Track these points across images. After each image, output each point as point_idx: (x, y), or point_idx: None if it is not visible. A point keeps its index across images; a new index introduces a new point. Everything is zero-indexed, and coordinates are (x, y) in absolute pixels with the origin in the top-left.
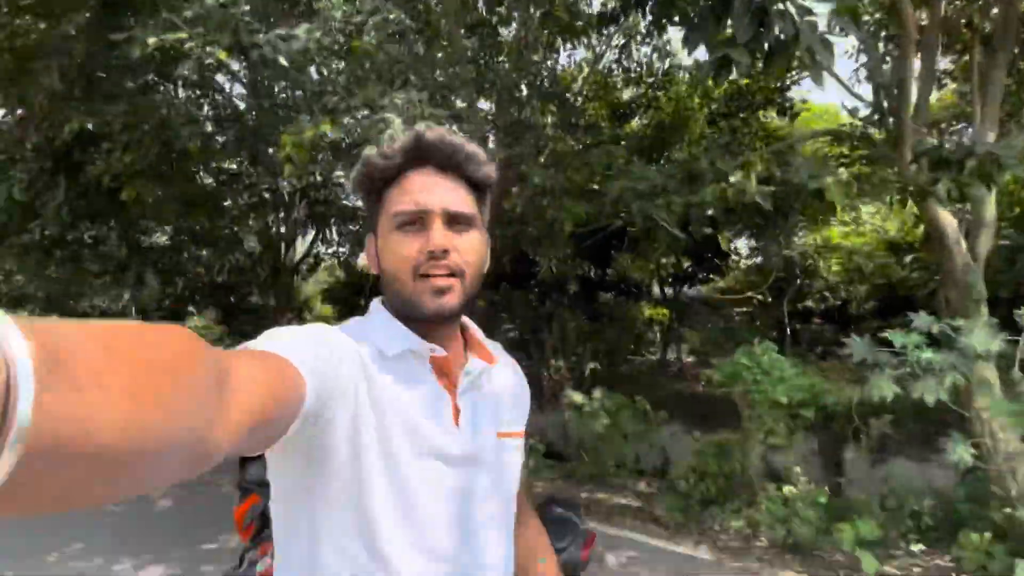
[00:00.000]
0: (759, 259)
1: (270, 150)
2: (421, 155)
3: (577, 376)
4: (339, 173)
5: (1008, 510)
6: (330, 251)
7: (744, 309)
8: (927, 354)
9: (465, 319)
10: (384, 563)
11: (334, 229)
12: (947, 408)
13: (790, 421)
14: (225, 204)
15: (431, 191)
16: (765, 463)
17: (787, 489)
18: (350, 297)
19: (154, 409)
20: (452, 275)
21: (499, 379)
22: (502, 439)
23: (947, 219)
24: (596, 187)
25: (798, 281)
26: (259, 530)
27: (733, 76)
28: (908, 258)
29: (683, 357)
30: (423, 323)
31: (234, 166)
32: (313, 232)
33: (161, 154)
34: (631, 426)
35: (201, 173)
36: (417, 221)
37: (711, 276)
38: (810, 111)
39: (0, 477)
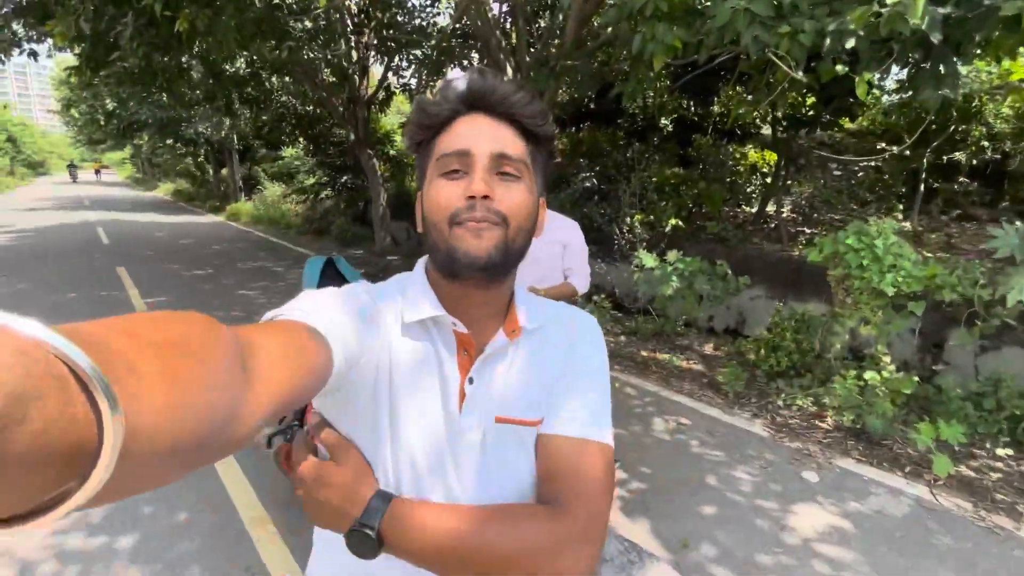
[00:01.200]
0: (905, 95)
1: None
2: (473, 100)
3: (656, 235)
4: None
5: None
6: (401, 83)
7: (873, 160)
8: None
9: (519, 289)
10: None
11: (403, 58)
12: None
13: (892, 313)
14: (287, 29)
15: (478, 134)
16: (851, 339)
17: (869, 374)
18: None
19: (190, 390)
20: (493, 224)
21: (529, 354)
22: (499, 424)
23: None
24: (700, 7)
25: (951, 128)
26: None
27: None
28: None
29: (781, 213)
30: (461, 282)
31: None
32: (384, 61)
33: None
34: (707, 289)
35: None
36: (461, 165)
37: (837, 120)
38: None
39: (100, 485)
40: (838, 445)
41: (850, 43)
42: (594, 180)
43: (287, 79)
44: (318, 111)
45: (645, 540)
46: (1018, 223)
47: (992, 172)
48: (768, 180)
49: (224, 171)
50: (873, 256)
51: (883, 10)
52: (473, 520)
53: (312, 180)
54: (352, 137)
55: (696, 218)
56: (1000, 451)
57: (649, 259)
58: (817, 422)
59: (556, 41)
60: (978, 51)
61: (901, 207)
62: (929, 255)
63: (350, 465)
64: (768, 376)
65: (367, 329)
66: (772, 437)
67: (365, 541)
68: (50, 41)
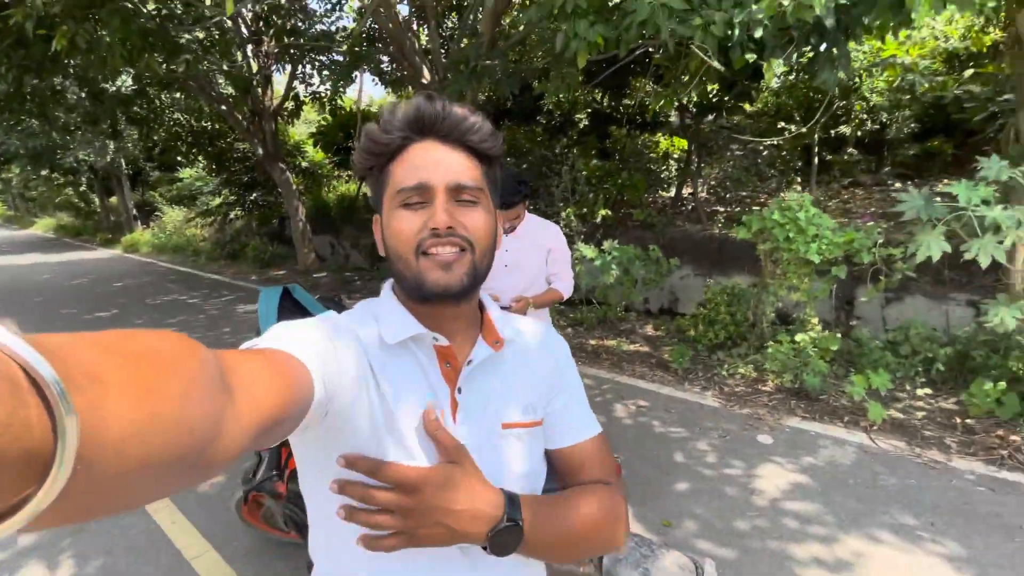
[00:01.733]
0: (804, 78)
1: None
2: (423, 127)
3: (589, 226)
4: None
5: None
6: (309, 91)
7: (773, 140)
8: (994, 213)
9: (484, 298)
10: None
11: (309, 65)
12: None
13: (817, 278)
14: (180, 42)
15: (434, 165)
16: (786, 308)
17: (800, 336)
18: (339, 139)
19: (163, 401)
20: (461, 250)
21: (511, 363)
22: (507, 430)
23: None
24: (616, 3)
25: (835, 104)
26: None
27: None
28: (968, 72)
29: (698, 195)
30: (432, 305)
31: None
32: (288, 69)
33: None
34: (643, 274)
35: (140, 9)
36: (421, 197)
37: (739, 104)
38: None
39: (58, 489)
40: (783, 406)
41: (758, 32)
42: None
43: (178, 95)
44: (217, 126)
45: (632, 526)
46: (913, 188)
47: (873, 142)
48: (681, 165)
49: (113, 199)
50: (797, 228)
51: (785, 1)
52: (568, 503)
53: (218, 200)
54: (260, 151)
55: (621, 207)
56: (920, 391)
57: (589, 251)
58: (760, 387)
59: (465, 41)
60: (865, 33)
61: (800, 180)
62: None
63: (471, 463)
64: (709, 349)
65: (347, 356)
66: (724, 407)
67: (513, 534)
68: None
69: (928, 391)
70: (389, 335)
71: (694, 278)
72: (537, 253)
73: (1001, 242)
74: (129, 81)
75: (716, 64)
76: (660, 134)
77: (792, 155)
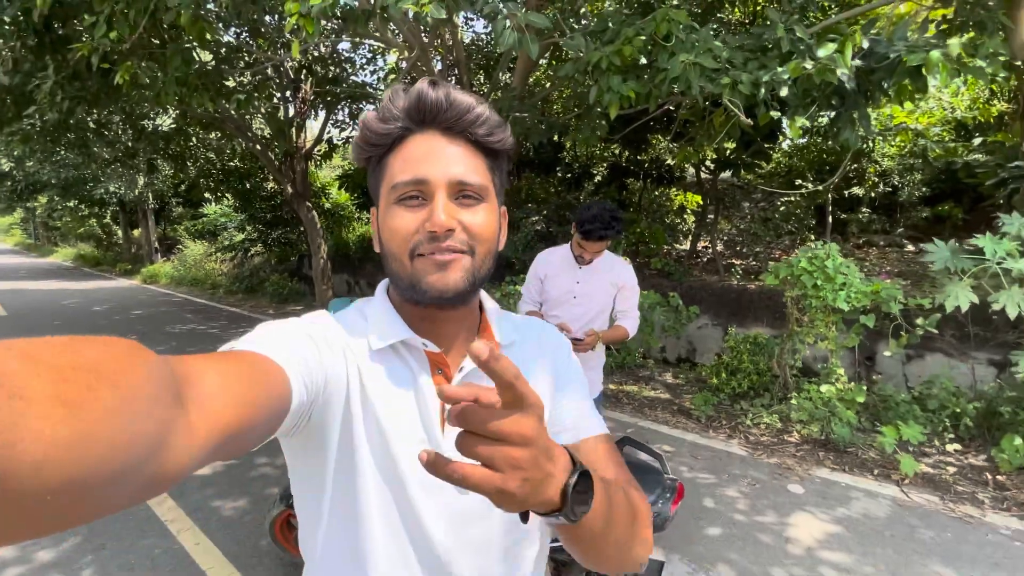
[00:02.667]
0: (826, 138)
1: (271, 19)
2: (424, 117)
3: None
4: (345, 46)
5: None
6: (343, 135)
7: (788, 197)
8: (1020, 264)
9: (484, 298)
10: (371, 557)
11: (344, 110)
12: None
13: (844, 327)
14: (228, 84)
15: (434, 159)
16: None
17: (825, 387)
18: (365, 183)
19: (94, 418)
20: (461, 252)
21: None
22: None
23: None
24: (645, 61)
25: (848, 166)
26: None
27: None
28: (977, 140)
29: (716, 247)
30: (427, 308)
31: (232, 39)
32: (324, 114)
33: (150, 28)
34: (663, 321)
35: (198, 51)
36: (419, 194)
37: (756, 161)
38: None
39: None
40: (811, 456)
41: (783, 92)
42: (543, 224)
43: (213, 135)
44: (247, 165)
45: (675, 568)
46: (939, 241)
47: (885, 204)
48: (694, 219)
49: (136, 232)
50: (825, 276)
51: (809, 64)
52: (615, 483)
53: (241, 236)
54: (290, 190)
55: (638, 256)
56: (949, 447)
57: None
58: (785, 437)
59: (496, 94)
60: (885, 98)
61: (813, 237)
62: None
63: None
64: (731, 399)
65: (331, 358)
66: (750, 455)
67: (589, 488)
68: None
69: (957, 447)
70: (375, 339)
71: (712, 328)
72: (608, 288)
73: None
74: (168, 120)
75: (744, 119)
76: (675, 189)
77: (806, 213)
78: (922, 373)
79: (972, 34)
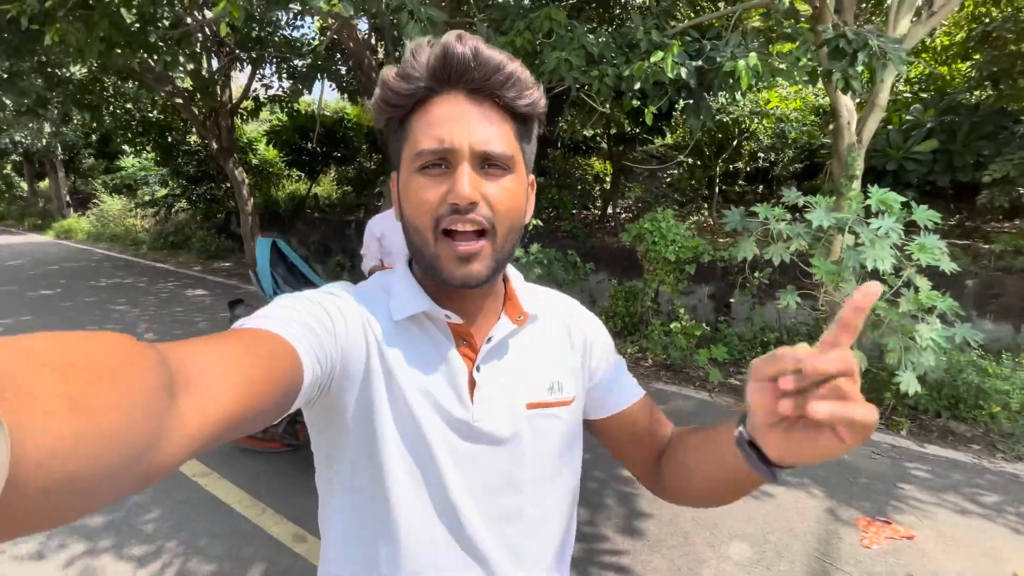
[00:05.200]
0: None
1: None
2: (449, 75)
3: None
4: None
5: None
6: (269, 92)
7: (680, 170)
8: (781, 225)
9: (510, 269)
10: (396, 531)
11: (271, 68)
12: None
13: (678, 274)
14: (152, 42)
15: (459, 125)
16: (667, 304)
17: (673, 324)
18: (294, 140)
19: (94, 415)
20: (481, 233)
21: (533, 340)
22: (534, 410)
23: (845, 101)
24: (537, 49)
25: (734, 143)
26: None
27: None
28: (831, 126)
29: (616, 212)
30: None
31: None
32: (250, 69)
33: None
34: (562, 275)
35: (123, 10)
36: (442, 163)
37: (652, 137)
38: None
39: None
40: (653, 375)
41: (637, 85)
42: None
43: (130, 84)
44: (168, 118)
45: None
46: (735, 208)
47: (765, 177)
48: (607, 186)
49: (44, 184)
50: (661, 234)
51: (650, 67)
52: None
53: (164, 192)
54: (214, 146)
55: (552, 219)
56: None
57: (516, 251)
58: (641, 362)
59: None
60: (721, 92)
61: (706, 205)
62: (723, 240)
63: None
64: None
65: (347, 331)
66: None
67: None
68: None
69: None
70: (397, 311)
71: (608, 282)
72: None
73: (788, 248)
74: (84, 69)
75: (599, 107)
76: (594, 158)
77: (700, 184)
78: (757, 315)
79: (789, 45)
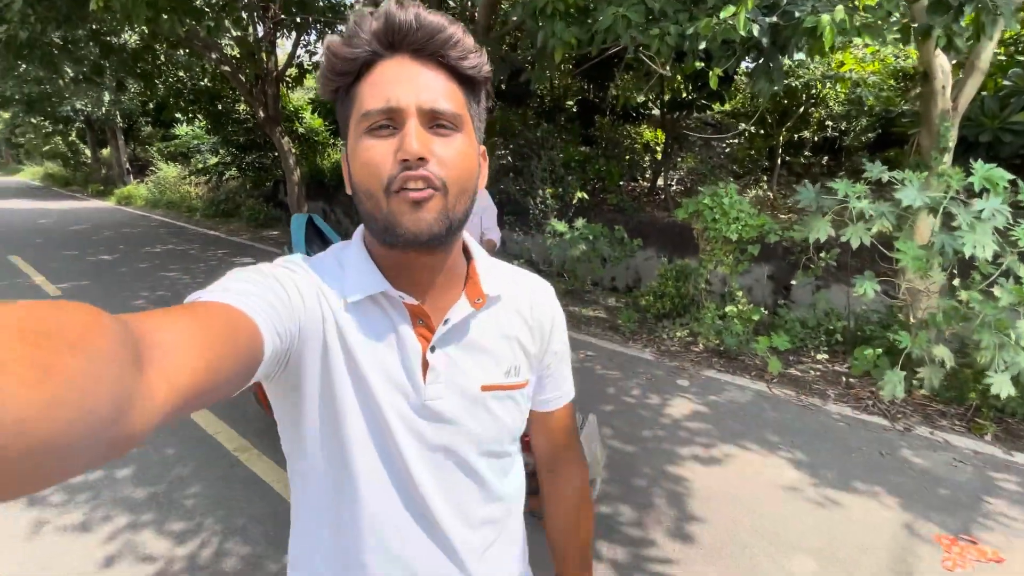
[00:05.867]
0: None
1: None
2: (393, 39)
3: (562, 205)
4: None
5: (903, 333)
6: (313, 59)
7: (736, 138)
8: (863, 204)
9: (472, 245)
10: (359, 502)
11: (314, 33)
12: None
13: (738, 254)
14: (196, 4)
15: (405, 83)
16: (721, 284)
17: (728, 307)
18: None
19: (63, 382)
20: (433, 189)
21: (493, 322)
22: (487, 392)
23: (941, 63)
24: (592, 7)
25: (801, 110)
26: None
27: None
28: (914, 92)
29: (667, 185)
30: (404, 252)
31: None
32: (294, 36)
33: None
34: (608, 251)
35: None
36: (389, 123)
37: (710, 103)
38: None
39: None
40: (705, 361)
41: (702, 44)
42: (509, 158)
43: (182, 52)
44: (219, 86)
45: None
46: (809, 184)
47: (836, 147)
48: (658, 157)
49: (106, 152)
50: (722, 211)
51: (719, 24)
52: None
53: (215, 160)
54: (261, 114)
55: (599, 191)
56: (820, 356)
57: (560, 226)
58: (692, 347)
59: (467, 26)
60: (798, 52)
61: (766, 178)
62: (784, 216)
63: None
64: (656, 318)
65: (303, 305)
66: (656, 359)
67: None
68: None
69: (826, 356)
70: (352, 291)
71: (657, 260)
72: (472, 218)
73: (869, 229)
74: (136, 37)
75: (665, 70)
76: (644, 126)
77: (760, 155)
78: (821, 300)
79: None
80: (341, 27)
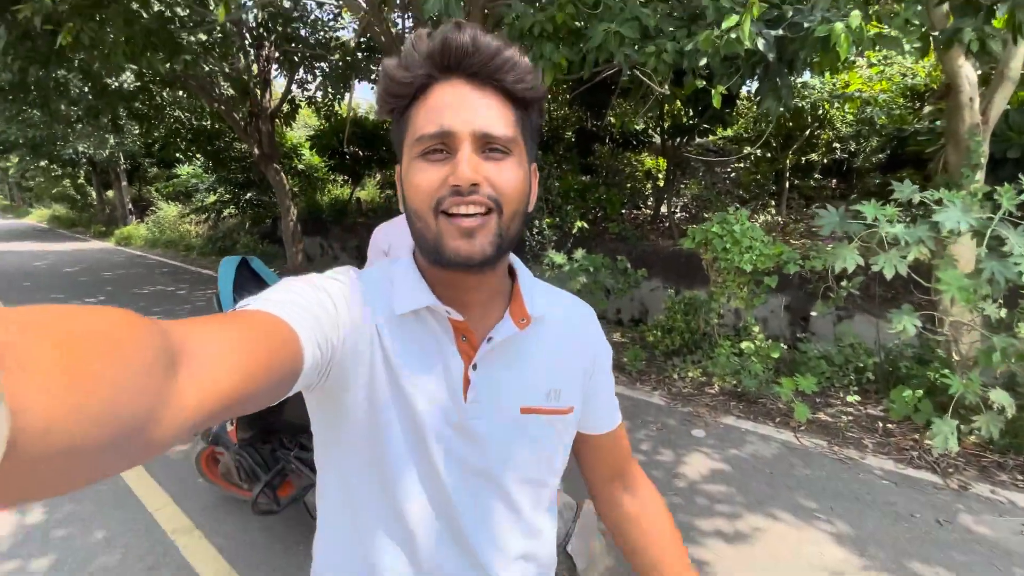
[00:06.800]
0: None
1: None
2: (448, 63)
3: (561, 236)
4: (311, 5)
5: (946, 371)
6: (306, 95)
7: (741, 162)
8: (896, 229)
9: (516, 264)
10: (401, 519)
11: (307, 70)
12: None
13: (753, 287)
14: (181, 42)
15: (459, 109)
16: (734, 317)
17: (744, 344)
18: (334, 144)
19: (91, 388)
20: (486, 212)
21: (537, 343)
22: (527, 415)
23: (967, 73)
24: (583, 26)
25: (807, 132)
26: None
27: None
28: (927, 108)
29: (671, 212)
30: (453, 272)
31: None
32: (286, 74)
33: None
34: (611, 282)
35: (142, 11)
36: (443, 147)
37: (712, 128)
38: None
39: None
40: (721, 406)
41: (703, 61)
42: None
43: (180, 93)
44: (216, 126)
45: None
46: (831, 207)
47: (844, 169)
48: (660, 184)
49: (110, 193)
50: (733, 239)
51: (721, 35)
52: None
53: (213, 198)
54: (256, 152)
55: (600, 220)
56: (850, 398)
57: (558, 257)
58: (706, 388)
59: None
60: (807, 68)
61: (774, 203)
62: (796, 242)
63: None
64: (665, 355)
65: (350, 317)
66: (668, 405)
67: None
68: None
69: (857, 398)
70: (399, 303)
71: (663, 290)
72: None
73: (904, 256)
74: (131, 77)
75: (658, 88)
76: (645, 153)
77: (766, 179)
78: (846, 333)
79: (888, 7)
80: (331, 62)
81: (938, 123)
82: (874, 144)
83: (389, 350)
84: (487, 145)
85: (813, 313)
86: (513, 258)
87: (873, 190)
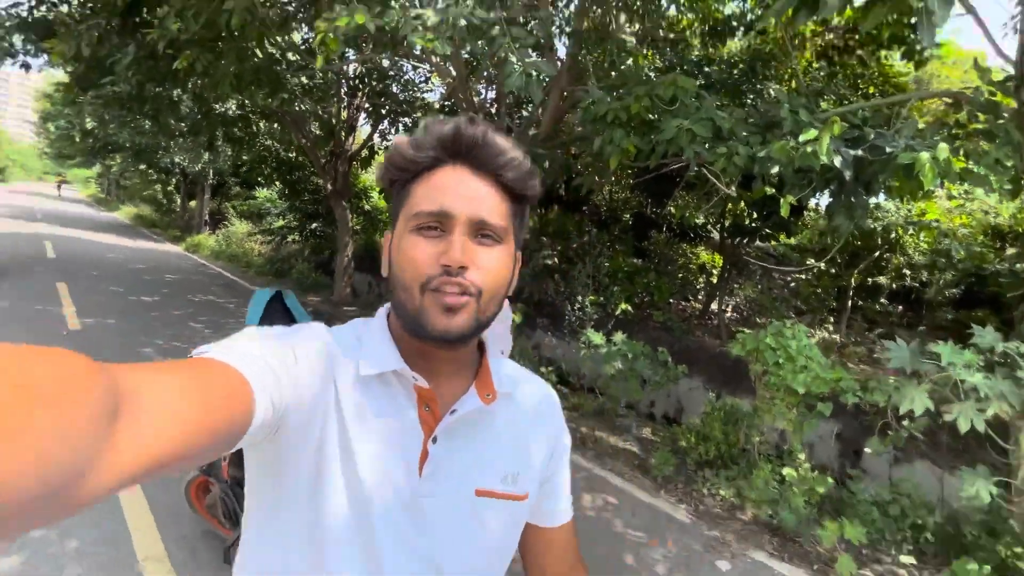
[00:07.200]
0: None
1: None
2: (458, 150)
3: (603, 316)
4: (407, 67)
5: (1020, 550)
6: (385, 144)
7: (802, 273)
8: (975, 379)
9: (487, 339)
10: None
11: (390, 122)
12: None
13: (804, 410)
14: (283, 81)
15: (460, 192)
16: (778, 436)
17: (787, 471)
18: None
19: (26, 441)
20: (465, 294)
21: (499, 422)
22: (482, 498)
23: None
24: (656, 119)
25: (876, 253)
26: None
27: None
28: (1011, 251)
29: (722, 310)
30: (426, 344)
31: (292, 48)
32: (371, 122)
33: (210, 25)
34: (648, 372)
35: (257, 50)
36: (438, 225)
37: (775, 233)
38: (946, 57)
39: None
40: (753, 537)
41: (775, 169)
42: (555, 259)
43: (274, 125)
44: (300, 159)
45: None
46: (901, 341)
47: (912, 298)
48: (713, 280)
49: (192, 203)
50: (788, 355)
51: (796, 148)
52: None
53: (282, 223)
54: (330, 187)
55: (645, 307)
56: (903, 558)
57: (596, 337)
58: (738, 513)
59: (532, 131)
60: (884, 191)
61: (832, 319)
62: (853, 366)
63: None
64: (697, 464)
65: (311, 377)
66: (693, 523)
67: None
68: (45, 56)
69: (913, 560)
70: (365, 365)
71: (703, 391)
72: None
73: (983, 411)
74: (234, 105)
75: (730, 191)
76: (701, 248)
77: (827, 294)
78: (903, 480)
79: (981, 145)
80: (413, 119)
81: (1020, 267)
82: (949, 277)
83: (346, 412)
84: (480, 231)
85: (867, 449)
86: (484, 334)
87: (944, 324)
